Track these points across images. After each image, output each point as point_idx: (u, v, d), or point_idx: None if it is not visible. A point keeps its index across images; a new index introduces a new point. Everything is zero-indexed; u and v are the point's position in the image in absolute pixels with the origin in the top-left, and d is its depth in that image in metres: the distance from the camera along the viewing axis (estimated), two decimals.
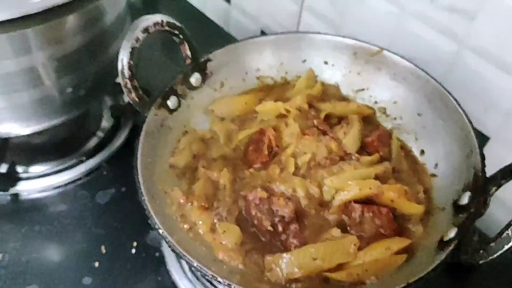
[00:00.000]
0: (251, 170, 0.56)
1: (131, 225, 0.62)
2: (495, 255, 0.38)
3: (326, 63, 0.64)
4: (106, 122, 0.74)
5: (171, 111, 0.57)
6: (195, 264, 0.42)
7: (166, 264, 0.59)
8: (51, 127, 0.61)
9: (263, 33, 0.96)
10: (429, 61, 0.62)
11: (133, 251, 0.59)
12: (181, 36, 0.57)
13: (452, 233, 0.45)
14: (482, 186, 0.46)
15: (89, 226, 0.62)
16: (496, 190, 0.45)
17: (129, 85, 0.52)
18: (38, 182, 0.66)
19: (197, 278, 0.57)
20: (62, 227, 0.62)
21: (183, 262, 0.58)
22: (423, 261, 0.45)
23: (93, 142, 0.71)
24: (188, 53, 0.58)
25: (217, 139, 0.60)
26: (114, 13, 0.60)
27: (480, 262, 0.39)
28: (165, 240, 0.44)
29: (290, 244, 0.49)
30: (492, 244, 0.38)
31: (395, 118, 0.61)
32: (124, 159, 0.69)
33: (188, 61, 0.59)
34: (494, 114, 0.64)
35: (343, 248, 0.47)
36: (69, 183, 0.67)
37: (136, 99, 0.53)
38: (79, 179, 0.67)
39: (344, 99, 0.63)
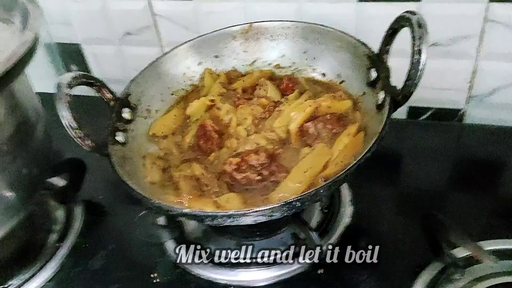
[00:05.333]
0: (213, 154, 0.63)
1: (139, 269, 0.64)
2: (418, 78, 0.51)
3: (216, 56, 0.75)
4: (55, 212, 0.73)
5: (123, 144, 0.62)
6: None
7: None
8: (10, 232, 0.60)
9: None
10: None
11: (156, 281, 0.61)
12: (97, 83, 0.63)
13: (381, 95, 0.58)
14: (378, 58, 0.61)
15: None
16: (387, 54, 0.60)
17: (80, 135, 0.56)
18: None
19: None
20: None
21: None
22: (376, 128, 0.57)
23: (55, 231, 0.71)
24: (109, 95, 0.64)
25: (170, 152, 0.66)
26: (27, 103, 0.63)
27: (411, 90, 0.52)
28: (193, 213, 0.49)
29: (281, 178, 0.57)
30: (412, 71, 0.51)
31: (290, 66, 0.74)
32: (95, 227, 0.71)
33: (112, 102, 0.65)
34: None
35: (320, 152, 0.58)
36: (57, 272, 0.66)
37: (92, 144, 0.57)
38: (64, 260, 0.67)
39: (246, 74, 0.75)
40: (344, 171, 0.50)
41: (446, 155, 0.77)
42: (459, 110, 0.86)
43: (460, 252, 0.56)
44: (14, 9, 0.58)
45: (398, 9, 0.78)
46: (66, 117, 0.55)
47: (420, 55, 0.51)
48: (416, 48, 0.51)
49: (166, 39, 0.95)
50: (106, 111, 0.64)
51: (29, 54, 0.49)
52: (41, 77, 1.11)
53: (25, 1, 0.59)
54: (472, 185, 0.71)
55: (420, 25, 0.51)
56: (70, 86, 0.57)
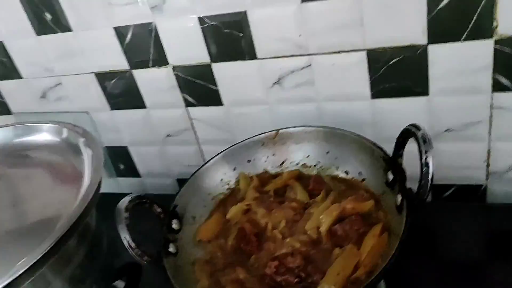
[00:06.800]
0: (253, 257, 0.71)
1: None
2: (428, 186, 0.58)
3: (249, 161, 0.84)
4: None
5: (175, 254, 0.71)
6: None
7: None
8: None
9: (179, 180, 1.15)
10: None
11: None
12: (148, 201, 0.73)
13: (399, 198, 0.65)
14: (393, 162, 0.68)
15: None
16: (402, 158, 0.67)
17: (139, 253, 0.65)
18: None
19: None
20: None
21: None
22: (398, 227, 0.64)
23: None
24: (159, 210, 0.74)
25: (215, 255, 0.74)
26: (92, 224, 0.73)
27: (425, 197, 0.59)
28: None
29: (317, 280, 0.64)
30: (422, 181, 0.59)
31: (315, 165, 0.82)
32: None
33: (162, 215, 0.74)
34: (367, 129, 0.90)
35: (349, 254, 0.64)
36: None
37: (149, 259, 0.66)
38: None
39: (276, 175, 0.84)
40: (371, 279, 0.56)
41: (471, 236, 0.81)
42: (480, 185, 0.91)
43: None
44: (81, 155, 0.70)
45: (409, 102, 0.87)
46: (126, 238, 0.64)
47: (428, 167, 0.58)
48: (423, 161, 0.58)
49: (202, 138, 1.06)
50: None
51: (96, 195, 0.60)
52: None
53: (90, 139, 0.71)
54: (500, 262, 0.75)
55: (425, 140, 0.59)
56: (127, 209, 0.67)
